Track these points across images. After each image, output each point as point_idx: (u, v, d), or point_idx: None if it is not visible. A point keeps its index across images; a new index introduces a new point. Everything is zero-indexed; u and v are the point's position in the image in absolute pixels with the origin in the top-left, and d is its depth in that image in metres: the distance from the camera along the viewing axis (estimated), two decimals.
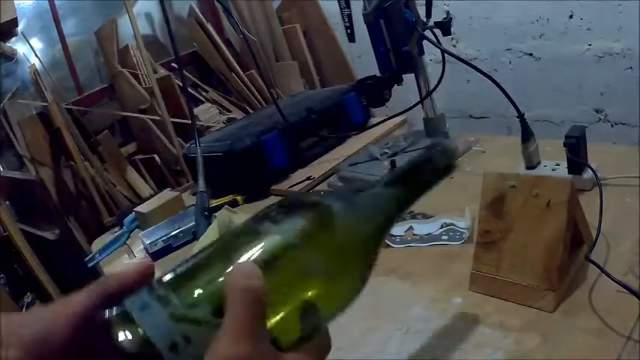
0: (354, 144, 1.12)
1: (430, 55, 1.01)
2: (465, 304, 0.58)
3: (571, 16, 1.72)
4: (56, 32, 2.14)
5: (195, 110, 2.21)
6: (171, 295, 0.28)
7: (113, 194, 2.05)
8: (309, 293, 0.30)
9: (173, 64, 2.28)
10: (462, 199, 0.79)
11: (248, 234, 0.32)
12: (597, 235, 0.58)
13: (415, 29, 0.87)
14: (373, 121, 1.19)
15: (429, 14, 0.89)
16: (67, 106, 2.07)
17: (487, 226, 0.58)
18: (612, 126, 1.78)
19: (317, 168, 1.07)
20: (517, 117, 0.77)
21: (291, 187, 1.01)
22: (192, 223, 0.93)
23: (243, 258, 0.30)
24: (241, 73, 2.39)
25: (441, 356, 0.52)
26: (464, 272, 0.61)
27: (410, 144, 0.96)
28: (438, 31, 0.89)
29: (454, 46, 2.03)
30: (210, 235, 0.84)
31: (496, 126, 2.02)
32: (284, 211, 0.33)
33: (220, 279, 0.29)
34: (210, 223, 0.87)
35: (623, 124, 1.75)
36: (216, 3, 1.71)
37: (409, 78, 0.95)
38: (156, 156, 2.19)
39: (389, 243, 0.73)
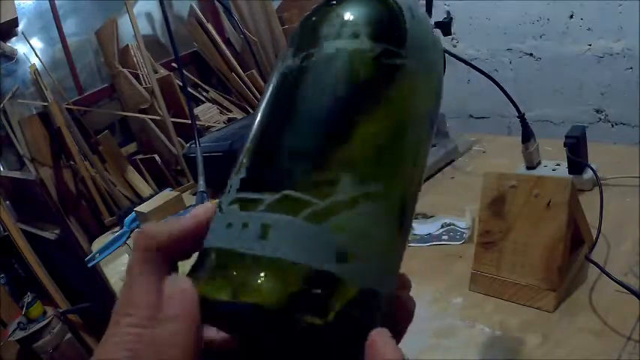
0: None
1: None
2: (464, 304, 0.58)
3: (571, 16, 1.72)
4: (56, 32, 2.14)
5: (196, 110, 2.21)
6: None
7: (113, 194, 2.05)
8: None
9: (173, 64, 2.28)
10: (462, 199, 0.79)
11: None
12: (597, 235, 0.58)
13: None
14: None
15: (429, 14, 0.89)
16: (67, 106, 2.07)
17: (487, 226, 0.58)
18: (612, 126, 1.78)
19: None
20: (517, 117, 0.77)
21: None
22: None
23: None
24: (241, 73, 2.38)
25: (441, 356, 0.52)
26: (464, 272, 0.61)
27: None
28: (438, 32, 0.89)
29: (454, 46, 2.03)
30: None
31: (496, 126, 2.02)
32: None
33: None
34: None
35: (624, 124, 1.75)
36: (217, 3, 1.71)
37: None
38: (156, 156, 2.18)
39: None
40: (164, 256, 0.24)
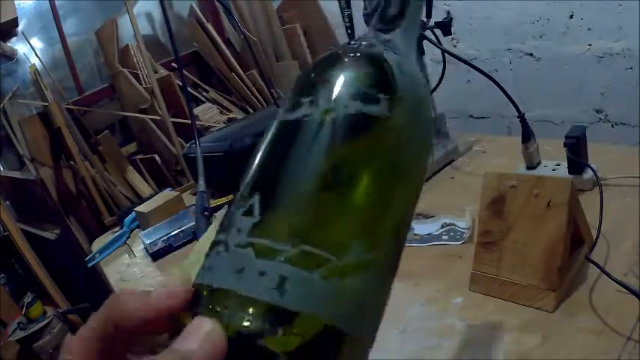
0: None
1: (430, 55, 1.01)
2: (465, 304, 0.58)
3: (571, 16, 1.72)
4: (56, 32, 2.14)
5: (195, 110, 2.21)
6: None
7: (113, 194, 2.05)
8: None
9: (173, 64, 2.28)
10: (462, 199, 0.79)
11: None
12: (597, 235, 0.58)
13: None
14: None
15: (429, 14, 0.89)
16: (67, 106, 2.07)
17: (487, 226, 0.58)
18: (612, 126, 1.78)
19: None
20: (517, 117, 0.77)
21: None
22: (192, 223, 0.93)
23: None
24: (241, 73, 2.39)
25: (441, 356, 0.52)
26: (464, 272, 0.61)
27: None
28: (438, 31, 0.89)
29: (454, 46, 2.03)
30: (210, 235, 0.84)
31: (496, 126, 2.02)
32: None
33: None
34: (210, 223, 0.87)
35: (624, 124, 1.75)
36: (217, 3, 1.71)
37: None
38: (156, 156, 2.19)
39: None
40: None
